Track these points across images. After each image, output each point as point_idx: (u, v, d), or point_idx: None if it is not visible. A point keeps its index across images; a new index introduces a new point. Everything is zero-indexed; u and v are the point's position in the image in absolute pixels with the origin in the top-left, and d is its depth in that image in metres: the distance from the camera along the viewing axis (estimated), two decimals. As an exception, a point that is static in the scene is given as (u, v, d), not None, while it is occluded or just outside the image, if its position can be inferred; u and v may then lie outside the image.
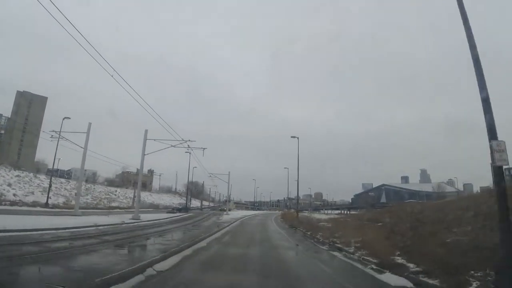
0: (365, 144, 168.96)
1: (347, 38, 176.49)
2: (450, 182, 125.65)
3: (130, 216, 23.95)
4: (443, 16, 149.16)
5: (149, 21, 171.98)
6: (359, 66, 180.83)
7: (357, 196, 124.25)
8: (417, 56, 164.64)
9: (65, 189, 37.22)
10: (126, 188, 53.90)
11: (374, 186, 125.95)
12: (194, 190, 68.43)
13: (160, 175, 66.36)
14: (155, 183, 68.30)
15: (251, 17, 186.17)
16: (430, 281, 6.01)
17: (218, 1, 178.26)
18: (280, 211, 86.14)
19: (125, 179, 60.60)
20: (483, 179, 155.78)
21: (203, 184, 63.27)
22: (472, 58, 6.39)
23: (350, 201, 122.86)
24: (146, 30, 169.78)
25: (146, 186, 59.69)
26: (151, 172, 54.41)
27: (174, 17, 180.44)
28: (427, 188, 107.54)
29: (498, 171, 5.71)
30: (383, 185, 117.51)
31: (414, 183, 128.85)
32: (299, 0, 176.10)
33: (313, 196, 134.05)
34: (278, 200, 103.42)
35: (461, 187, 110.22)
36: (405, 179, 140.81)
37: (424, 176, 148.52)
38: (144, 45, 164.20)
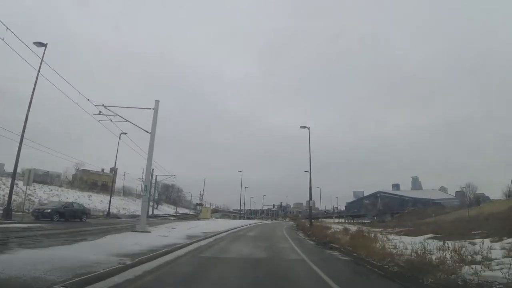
0: (355, 152, 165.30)
1: (343, 44, 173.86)
2: (443, 189, 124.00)
3: None
4: (432, 25, 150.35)
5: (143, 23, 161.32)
6: (348, 75, 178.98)
7: (350, 204, 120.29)
8: (406, 65, 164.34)
9: None
10: (72, 188, 42.50)
11: (367, 194, 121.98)
12: (163, 192, 57.74)
13: (124, 175, 52.73)
14: (123, 185, 57.93)
15: (244, 22, 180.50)
16: None
17: (211, 6, 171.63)
18: (275, 220, 75.79)
19: (79, 178, 49.80)
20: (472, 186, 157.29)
21: (153, 176, 48.64)
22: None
23: (344, 209, 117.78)
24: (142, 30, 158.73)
25: (107, 187, 49.00)
26: (114, 170, 43.63)
27: (168, 19, 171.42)
28: (424, 194, 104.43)
29: None
30: (378, 192, 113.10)
31: (407, 190, 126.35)
32: (295, 5, 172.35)
33: (304, 204, 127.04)
34: (274, 205, 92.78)
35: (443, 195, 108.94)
36: (396, 186, 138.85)
37: (416, 184, 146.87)
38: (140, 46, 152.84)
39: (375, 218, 77.20)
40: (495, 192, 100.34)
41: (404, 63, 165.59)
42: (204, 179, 66.01)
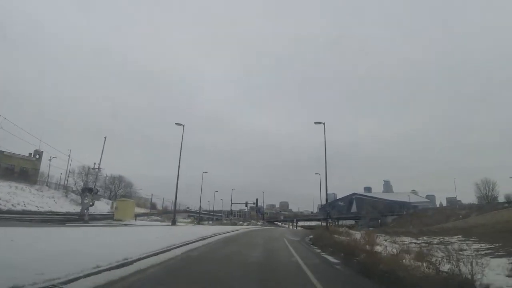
0: (328, 155, 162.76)
1: (318, 46, 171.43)
2: (414, 192, 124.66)
3: None
4: (410, 28, 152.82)
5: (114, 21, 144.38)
6: (322, 80, 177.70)
7: (325, 205, 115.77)
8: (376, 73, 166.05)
9: None
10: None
11: (340, 196, 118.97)
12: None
13: (50, 159, 38.53)
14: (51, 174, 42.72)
15: (221, 24, 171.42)
16: None
17: (185, 7, 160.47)
18: (252, 226, 57.50)
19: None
20: (443, 191, 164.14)
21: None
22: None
23: (318, 211, 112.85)
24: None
25: (28, 177, 36.15)
26: (38, 154, 31.47)
27: (140, 19, 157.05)
28: (397, 197, 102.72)
29: None
30: (353, 194, 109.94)
31: (379, 193, 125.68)
32: (269, 10, 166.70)
33: (277, 206, 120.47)
34: (246, 203, 75.13)
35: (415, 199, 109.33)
36: (367, 189, 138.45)
37: (387, 187, 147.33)
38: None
39: (379, 221, 70.07)
40: (465, 197, 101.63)
41: (378, 68, 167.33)
42: (105, 137, 32.89)
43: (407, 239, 13.98)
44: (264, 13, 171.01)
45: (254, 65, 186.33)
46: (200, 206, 59.24)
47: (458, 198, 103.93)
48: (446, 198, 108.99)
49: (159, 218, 45.44)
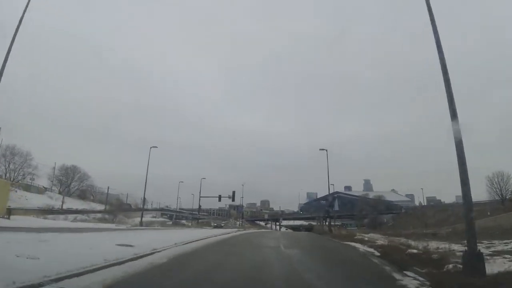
0: (308, 155, 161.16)
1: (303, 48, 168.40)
2: (394, 191, 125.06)
3: None
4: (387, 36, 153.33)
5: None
6: (319, 80, 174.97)
7: (307, 204, 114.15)
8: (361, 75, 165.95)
9: None
10: None
11: (320, 195, 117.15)
12: None
13: None
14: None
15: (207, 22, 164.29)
16: None
17: (184, 7, 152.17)
18: (227, 229, 49.62)
19: None
20: (420, 190, 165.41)
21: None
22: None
23: (300, 210, 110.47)
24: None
25: None
26: None
27: (122, 16, 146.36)
28: (389, 197, 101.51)
29: None
30: (336, 192, 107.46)
31: (359, 191, 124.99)
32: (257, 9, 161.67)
33: (258, 204, 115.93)
34: (219, 197, 59.64)
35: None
36: (348, 188, 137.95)
37: (368, 186, 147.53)
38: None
39: (384, 220, 65.77)
40: (444, 196, 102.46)
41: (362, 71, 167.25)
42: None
43: (455, 247, 9.47)
44: (264, 12, 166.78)
45: (253, 64, 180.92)
46: (144, 198, 44.72)
47: (437, 198, 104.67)
48: (426, 197, 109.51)
49: (106, 217, 38.36)
